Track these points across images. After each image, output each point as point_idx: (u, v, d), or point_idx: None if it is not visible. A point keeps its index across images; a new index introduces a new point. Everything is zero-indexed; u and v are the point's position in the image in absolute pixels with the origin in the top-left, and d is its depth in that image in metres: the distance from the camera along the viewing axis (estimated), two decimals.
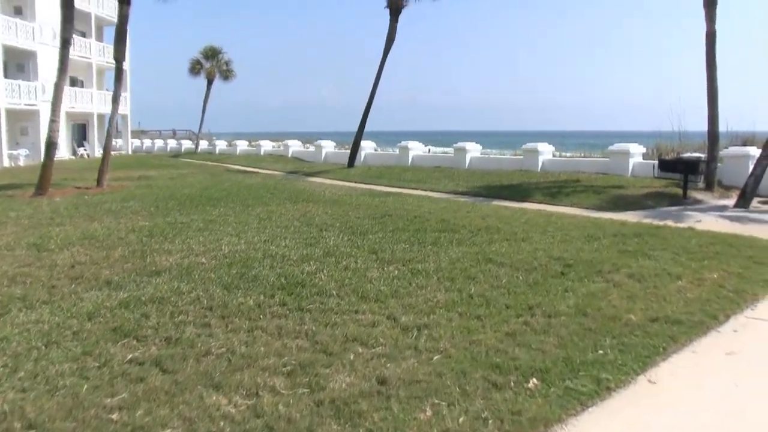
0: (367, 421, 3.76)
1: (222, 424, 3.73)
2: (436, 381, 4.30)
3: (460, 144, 24.98)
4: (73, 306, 6.00)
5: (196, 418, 3.79)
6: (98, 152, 38.99)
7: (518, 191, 16.49)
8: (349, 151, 28.27)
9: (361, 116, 27.42)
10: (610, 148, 20.17)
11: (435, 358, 4.74)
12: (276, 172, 26.83)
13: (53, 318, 5.61)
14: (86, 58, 40.29)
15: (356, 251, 8.59)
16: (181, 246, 8.98)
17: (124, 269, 7.59)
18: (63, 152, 37.94)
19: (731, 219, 12.18)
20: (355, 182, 21.07)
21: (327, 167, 27.92)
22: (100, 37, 42.96)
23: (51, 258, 8.25)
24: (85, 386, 4.16)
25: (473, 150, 24.51)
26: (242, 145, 41.73)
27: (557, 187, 16.64)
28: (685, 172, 15.03)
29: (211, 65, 44.85)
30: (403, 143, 27.60)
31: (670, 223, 11.37)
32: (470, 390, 4.17)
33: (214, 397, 4.05)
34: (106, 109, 41.46)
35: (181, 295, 6.43)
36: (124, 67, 43.50)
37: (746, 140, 19.41)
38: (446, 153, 27.44)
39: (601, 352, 4.91)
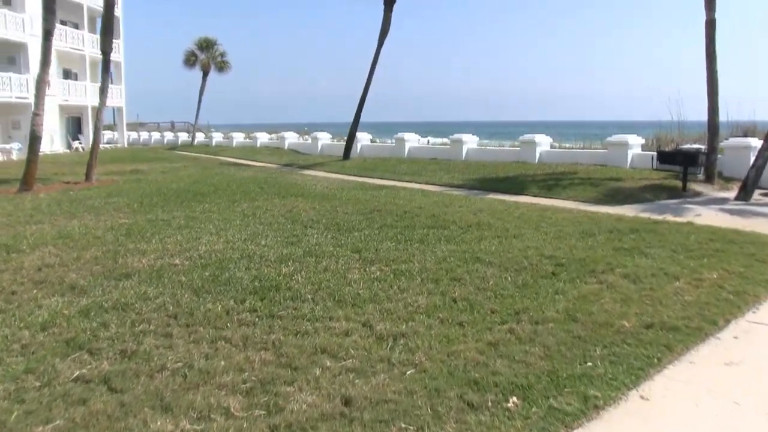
0: None
1: None
2: (407, 401, 3.92)
3: (456, 135, 24.57)
4: (28, 315, 5.63)
5: None
6: None
7: (514, 184, 16.09)
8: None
9: (356, 108, 27.00)
10: (608, 139, 19.74)
11: (408, 372, 4.36)
12: (271, 165, 26.42)
13: (3, 329, 5.23)
14: (79, 50, 39.79)
15: (339, 250, 8.21)
16: (157, 246, 8.60)
17: (93, 272, 7.21)
18: (57, 146, 37.63)
19: (732, 212, 11.77)
20: (350, 175, 20.69)
21: (323, 159, 27.51)
22: (93, 29, 42.35)
23: (19, 260, 7.87)
24: (16, 413, 3.78)
25: (470, 141, 24.11)
26: (238, 138, 41.32)
27: (554, 180, 16.22)
28: (684, 164, 14.61)
29: (206, 57, 44.37)
30: (399, 135, 27.22)
31: (668, 217, 10.97)
32: (443, 411, 3.79)
33: (159, 422, 3.67)
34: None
35: (146, 300, 6.06)
36: (114, 59, 43.09)
37: (747, 130, 18.95)
38: (445, 144, 27.01)
39: (590, 364, 4.52)
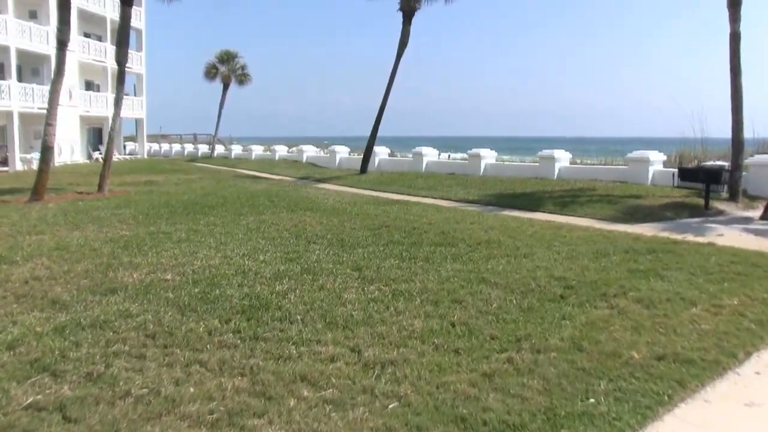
0: None
1: None
2: None
3: (474, 150, 24.18)
4: (0, 331, 5.34)
5: None
6: (114, 156, 38.89)
7: (531, 200, 15.65)
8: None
9: (373, 121, 26.74)
10: (629, 155, 19.20)
11: (390, 406, 3.99)
12: (287, 178, 26.22)
13: None
14: (101, 62, 40.09)
15: (338, 268, 7.86)
16: (152, 260, 8.33)
17: (80, 286, 6.93)
18: (78, 156, 37.87)
19: (756, 233, 11.21)
20: (365, 189, 20.37)
21: (340, 173, 27.25)
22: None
23: (9, 272, 7.64)
24: None
25: (488, 156, 23.69)
26: (257, 150, 41.29)
27: (571, 196, 15.75)
28: (706, 181, 14.03)
29: (226, 69, 44.47)
30: (417, 149, 26.88)
31: (688, 236, 10.47)
32: None
33: None
34: (123, 113, 41.47)
35: (127, 318, 5.76)
36: (136, 71, 43.46)
37: None
38: (464, 159, 26.63)
39: (592, 400, 4.11)
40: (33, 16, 34.80)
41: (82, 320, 5.65)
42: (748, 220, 12.93)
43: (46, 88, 33.86)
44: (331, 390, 4.23)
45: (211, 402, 4.02)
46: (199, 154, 46.83)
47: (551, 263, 8.15)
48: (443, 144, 41.73)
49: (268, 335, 5.33)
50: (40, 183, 16.47)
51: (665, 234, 10.73)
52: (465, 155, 26.70)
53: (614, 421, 3.84)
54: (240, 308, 6.07)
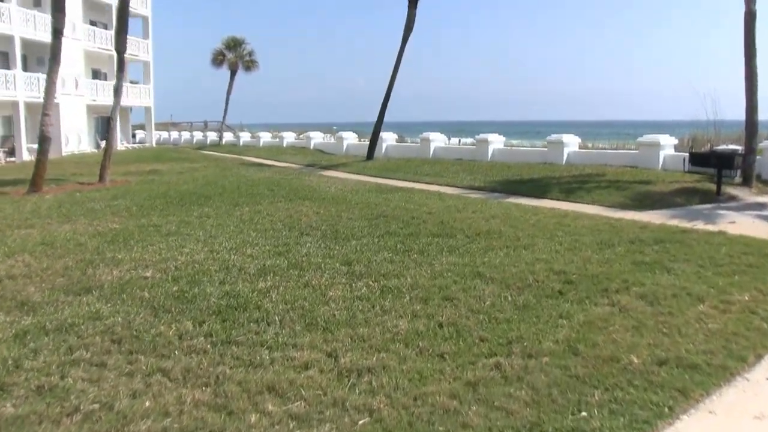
0: None
1: None
2: None
3: (482, 135, 23.69)
4: None
5: None
6: (121, 145, 38.73)
7: (537, 187, 15.20)
8: None
9: (380, 106, 26.28)
10: (639, 139, 18.64)
11: (360, 422, 3.64)
12: (292, 165, 25.87)
13: None
14: (108, 50, 39.56)
15: (328, 262, 7.51)
16: (135, 255, 8.01)
17: (55, 285, 6.63)
18: (85, 145, 37.69)
19: None
20: (370, 176, 19.98)
21: (346, 159, 26.84)
22: None
23: None
24: None
25: (496, 141, 23.19)
26: (265, 137, 40.95)
27: (579, 183, 15.27)
28: (718, 166, 13.51)
29: (233, 56, 44.04)
30: (425, 134, 26.42)
31: (699, 225, 10.00)
32: None
33: None
34: (130, 101, 41.25)
35: (96, 321, 5.44)
36: (143, 59, 43.18)
37: None
38: (472, 144, 26.15)
39: (584, 414, 3.74)
40: (37, 4, 34.49)
41: (47, 324, 5.33)
42: (762, 206, 12.41)
43: None
44: (298, 403, 3.89)
45: (166, 418, 3.69)
46: (208, 142, 46.56)
47: (552, 255, 7.75)
48: (456, 128, 41.18)
49: (242, 339, 4.99)
50: (38, 174, 16.23)
51: (674, 222, 10.28)
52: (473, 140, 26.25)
53: None
54: (216, 308, 5.74)
